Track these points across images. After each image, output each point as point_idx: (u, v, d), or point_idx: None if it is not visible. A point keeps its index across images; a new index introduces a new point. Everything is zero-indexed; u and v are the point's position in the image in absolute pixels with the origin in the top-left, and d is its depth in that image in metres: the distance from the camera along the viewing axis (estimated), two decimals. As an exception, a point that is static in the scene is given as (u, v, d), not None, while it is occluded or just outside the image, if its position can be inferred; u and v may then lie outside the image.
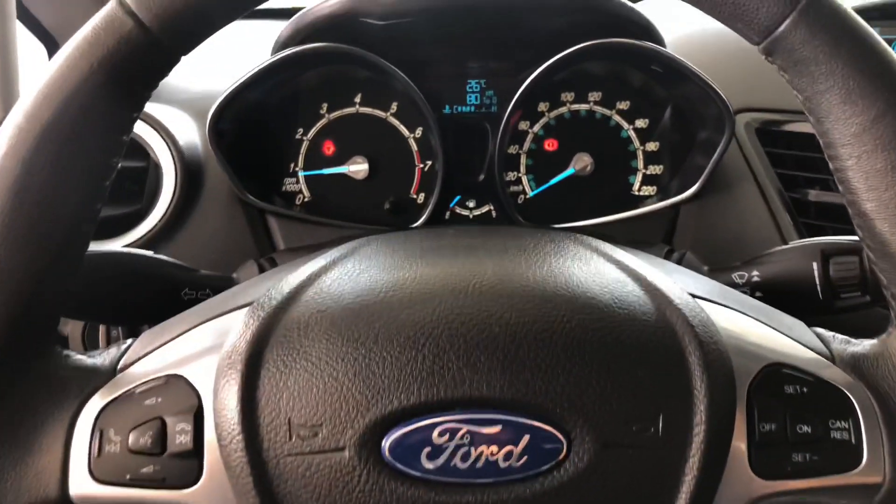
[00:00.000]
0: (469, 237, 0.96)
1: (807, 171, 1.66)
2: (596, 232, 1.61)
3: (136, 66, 0.66)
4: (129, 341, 0.78)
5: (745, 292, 1.20)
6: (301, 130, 1.75)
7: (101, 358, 0.74)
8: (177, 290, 1.25)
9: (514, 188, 1.78)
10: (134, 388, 0.68)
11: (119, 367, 0.72)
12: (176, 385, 0.67)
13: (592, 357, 0.62)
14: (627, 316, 0.66)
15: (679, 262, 1.36)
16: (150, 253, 1.24)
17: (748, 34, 0.66)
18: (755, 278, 1.21)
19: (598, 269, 0.75)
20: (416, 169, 1.75)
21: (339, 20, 1.52)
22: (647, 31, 1.61)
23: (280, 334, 0.66)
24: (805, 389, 0.66)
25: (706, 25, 1.88)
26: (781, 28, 0.63)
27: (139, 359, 0.72)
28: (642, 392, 0.61)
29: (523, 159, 1.77)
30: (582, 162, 1.74)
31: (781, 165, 1.69)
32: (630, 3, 1.57)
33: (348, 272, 0.74)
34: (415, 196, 1.77)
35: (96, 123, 0.67)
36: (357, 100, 1.75)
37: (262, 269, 1.37)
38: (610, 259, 0.80)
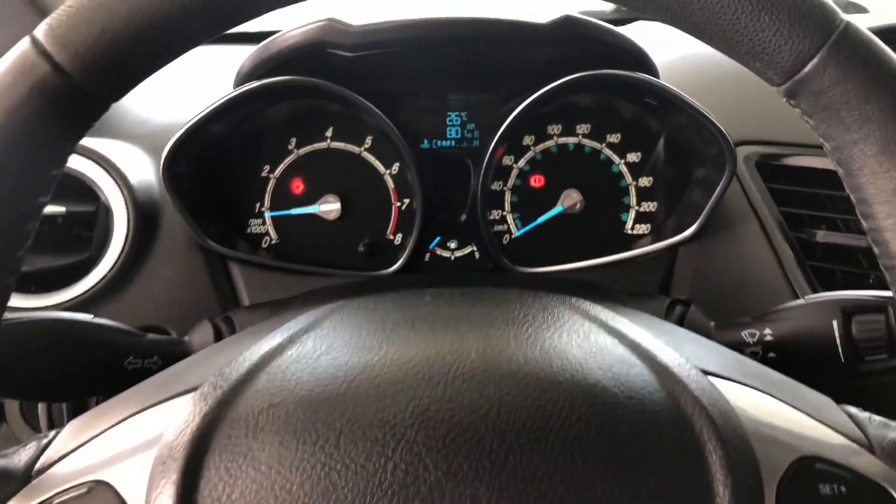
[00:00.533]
0: (448, 306, 0.87)
1: (812, 210, 1.60)
2: (588, 277, 1.56)
3: (54, 117, 0.57)
4: (51, 434, 0.71)
5: (756, 353, 1.14)
6: (267, 167, 1.67)
7: (16, 458, 0.64)
8: (120, 360, 1.15)
9: (498, 227, 1.71)
10: (51, 497, 0.58)
11: (36, 469, 0.62)
12: (101, 495, 0.57)
13: (596, 461, 0.54)
14: (636, 407, 0.58)
15: (682, 319, 1.28)
16: (88, 317, 1.14)
17: (768, 74, 0.59)
18: (767, 337, 1.14)
19: (599, 346, 0.69)
20: (393, 208, 1.68)
21: (305, 51, 1.45)
22: (639, 60, 1.54)
23: (225, 433, 0.57)
24: (843, 489, 0.58)
25: (699, 49, 1.84)
26: (808, 67, 0.56)
27: (61, 458, 0.63)
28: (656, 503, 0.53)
29: (508, 196, 1.70)
30: (571, 199, 1.67)
31: (785, 203, 1.63)
32: (621, 32, 1.51)
33: (308, 353, 0.68)
34: (391, 237, 1.69)
35: (7, 184, 0.58)
36: (328, 134, 1.67)
37: (217, 332, 1.28)
38: (611, 331, 0.78)
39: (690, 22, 0.60)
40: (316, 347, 0.69)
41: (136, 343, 1.18)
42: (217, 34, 0.66)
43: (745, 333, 1.07)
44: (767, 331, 1.05)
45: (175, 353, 1.16)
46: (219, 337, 1.26)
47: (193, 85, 1.82)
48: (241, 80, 1.54)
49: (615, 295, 1.35)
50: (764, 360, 1.13)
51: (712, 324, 1.26)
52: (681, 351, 0.68)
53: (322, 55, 1.46)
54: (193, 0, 0.58)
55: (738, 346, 1.15)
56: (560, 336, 0.70)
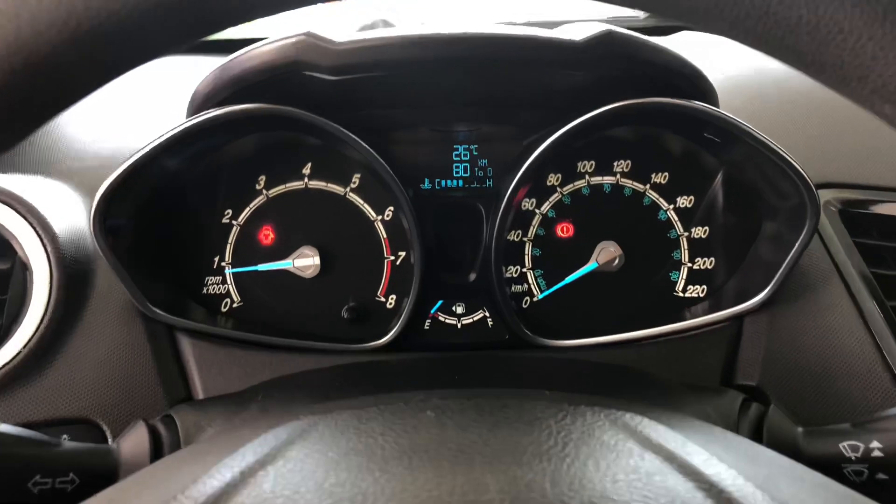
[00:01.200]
0: (458, 430, 0.72)
1: (914, 272, 1.38)
2: (630, 356, 1.37)
3: None
4: None
5: (860, 472, 0.97)
6: (229, 212, 1.48)
7: None
8: (23, 480, 0.93)
9: (516, 288, 1.52)
10: None
11: None
12: None
13: None
14: None
15: (760, 423, 1.08)
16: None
17: None
18: (875, 452, 0.97)
19: (664, 486, 0.59)
20: (385, 263, 1.50)
21: (276, 73, 1.26)
22: (696, 85, 1.34)
23: None
24: None
25: (758, 65, 1.64)
26: None
27: None
28: None
29: (528, 249, 1.51)
30: (607, 253, 1.48)
31: (876, 261, 1.40)
32: (673, 50, 1.29)
33: (265, 499, 0.57)
34: (383, 299, 1.50)
35: None
36: (305, 172, 1.48)
37: (154, 437, 1.06)
38: (683, 468, 0.63)
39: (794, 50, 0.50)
40: (276, 491, 0.58)
41: (47, 455, 0.96)
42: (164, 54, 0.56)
43: (844, 446, 0.97)
44: (875, 444, 0.95)
45: (97, 468, 0.97)
46: (156, 444, 1.04)
47: (148, 105, 1.63)
48: (196, 106, 1.35)
49: (672, 390, 1.14)
50: (872, 483, 0.97)
51: (799, 429, 1.06)
52: (776, 493, 0.59)
53: (297, 78, 1.27)
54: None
55: (835, 462, 0.99)
56: (614, 479, 0.59)
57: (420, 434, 0.71)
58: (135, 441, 1.04)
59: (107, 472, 1.00)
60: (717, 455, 0.67)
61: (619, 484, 0.60)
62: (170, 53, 0.58)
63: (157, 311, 1.32)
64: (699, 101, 1.31)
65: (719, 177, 1.46)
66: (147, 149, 1.27)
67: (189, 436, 1.06)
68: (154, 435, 1.06)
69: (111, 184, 1.26)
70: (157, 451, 1.05)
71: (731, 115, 1.29)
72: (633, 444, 0.69)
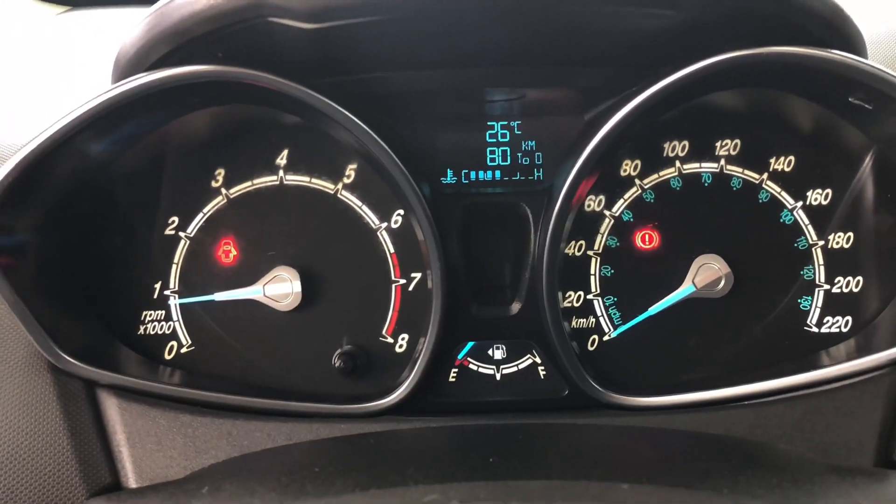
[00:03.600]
0: None
1: None
2: (746, 420, 1.26)
3: None
4: None
5: None
6: (175, 220, 1.42)
7: None
8: None
9: (579, 322, 1.44)
10: None
11: None
12: None
13: None
14: None
15: None
16: None
17: None
18: None
19: None
20: (393, 289, 1.43)
21: (230, 23, 1.18)
22: (837, 28, 1.24)
23: None
24: None
25: None
26: None
27: None
28: None
29: (596, 267, 1.43)
30: (709, 272, 1.40)
31: None
32: None
33: None
34: (390, 340, 1.43)
35: None
36: (280, 162, 1.41)
37: None
38: None
39: None
40: None
41: None
42: None
43: None
44: None
45: None
46: None
47: (62, 76, 1.63)
48: (122, 70, 1.28)
49: (808, 475, 1.05)
50: None
51: None
52: None
53: (261, 27, 1.19)
54: None
55: None
56: None
57: None
58: None
59: None
60: None
61: None
62: None
63: (73, 360, 1.26)
64: (840, 50, 1.22)
65: (868, 160, 1.38)
66: (56, 129, 1.21)
67: None
68: None
69: (3, 181, 1.20)
70: None
71: (888, 70, 1.20)
72: None
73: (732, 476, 0.97)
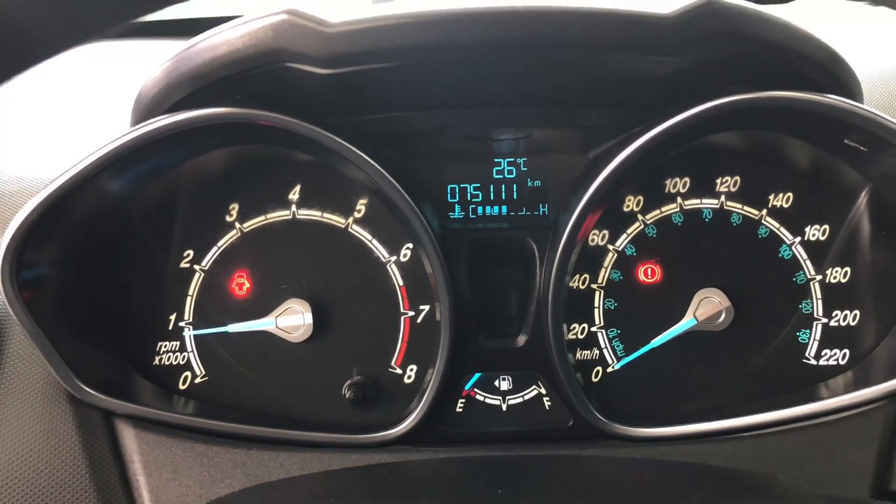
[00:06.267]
0: None
1: None
2: (745, 452, 1.30)
3: None
4: None
5: None
6: (190, 254, 1.45)
7: None
8: None
9: (583, 354, 1.46)
10: None
11: None
12: None
13: None
14: None
15: None
16: None
17: None
18: None
19: None
20: (402, 321, 1.45)
21: (249, 68, 1.22)
22: (833, 73, 1.28)
23: None
24: None
25: None
26: None
27: None
28: None
29: (600, 301, 1.46)
30: (710, 306, 1.41)
31: None
32: (801, 27, 1.26)
33: None
34: (399, 371, 1.45)
35: None
36: (292, 197, 1.45)
37: None
38: None
39: None
40: None
41: None
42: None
43: None
44: None
45: None
46: None
47: (84, 112, 1.63)
48: (143, 111, 1.31)
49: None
50: None
51: None
52: None
53: (278, 72, 1.23)
54: None
55: None
56: None
57: None
58: None
59: None
60: None
61: None
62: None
63: (91, 391, 1.29)
64: (836, 95, 1.25)
65: (863, 198, 1.41)
66: (78, 168, 1.24)
67: None
68: None
69: (28, 217, 1.22)
70: None
71: (881, 114, 1.23)
72: None
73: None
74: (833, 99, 1.24)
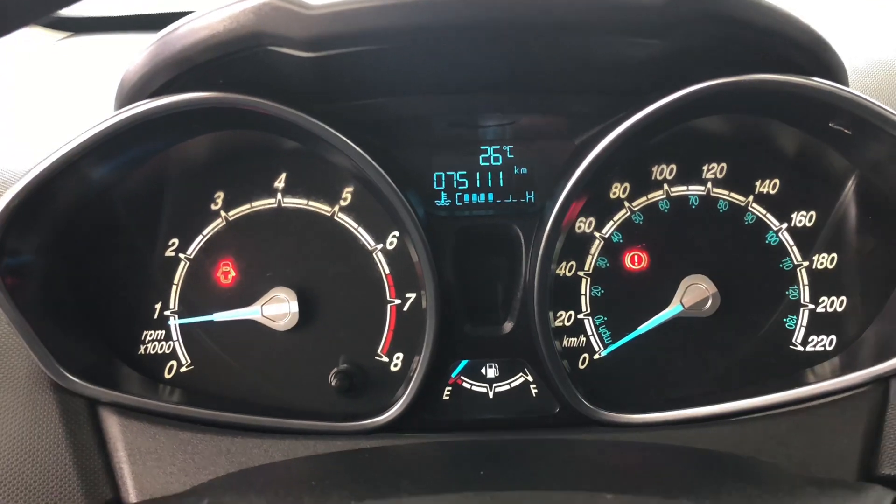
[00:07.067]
0: None
1: None
2: (731, 437, 1.29)
3: None
4: None
5: None
6: (175, 242, 1.45)
7: None
8: None
9: (570, 342, 1.46)
10: None
11: None
12: None
13: None
14: None
15: None
16: None
17: None
18: None
19: None
20: (388, 309, 1.45)
21: (231, 52, 1.22)
22: (818, 57, 1.28)
23: None
24: None
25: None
26: None
27: None
28: None
29: (586, 288, 1.46)
30: (696, 293, 1.42)
31: None
32: (787, 11, 1.26)
33: None
34: (385, 359, 1.45)
35: None
36: (278, 185, 1.44)
37: None
38: None
39: None
40: None
41: None
42: None
43: None
44: None
45: None
46: None
47: (68, 102, 1.64)
48: (126, 96, 1.32)
49: (791, 488, 1.06)
50: None
51: None
52: None
53: (261, 56, 1.22)
54: None
55: None
56: None
57: None
58: None
59: None
60: None
61: None
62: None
63: (75, 379, 1.28)
64: (822, 78, 1.26)
65: (851, 184, 1.41)
66: (61, 154, 1.24)
67: None
68: None
69: (11, 202, 1.22)
70: None
71: (868, 97, 1.23)
72: None
73: (714, 488, 1.00)
74: (817, 82, 1.24)
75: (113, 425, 1.31)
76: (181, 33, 1.23)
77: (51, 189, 1.24)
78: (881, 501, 1.03)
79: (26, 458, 1.25)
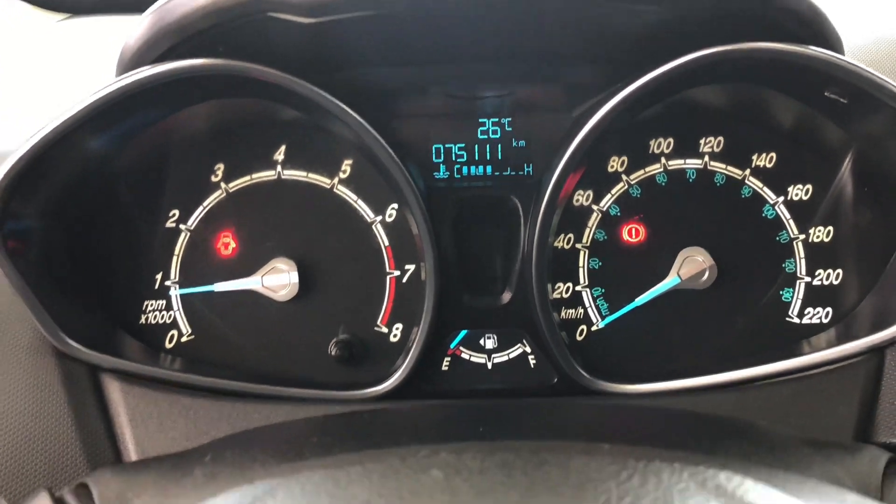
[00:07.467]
0: (477, 497, 0.70)
1: None
2: (728, 404, 1.31)
3: None
4: None
5: None
6: (176, 213, 1.45)
7: None
8: None
9: (568, 313, 1.47)
10: None
11: None
12: None
13: None
14: None
15: None
16: None
17: None
18: None
19: None
20: (388, 280, 1.46)
21: (230, 18, 1.22)
22: (812, 26, 1.28)
23: None
24: None
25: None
26: None
27: None
28: None
29: (584, 260, 1.46)
30: (693, 265, 1.42)
31: None
32: None
33: None
34: (385, 330, 1.46)
35: None
36: (277, 157, 1.45)
37: None
38: None
39: None
40: None
41: None
42: None
43: None
44: None
45: None
46: None
47: (71, 81, 1.64)
48: (126, 66, 1.32)
49: (786, 447, 1.07)
50: None
51: None
52: None
53: (260, 22, 1.23)
54: None
55: None
56: None
57: (422, 501, 0.68)
58: None
59: None
60: None
61: None
62: None
63: (77, 345, 1.28)
64: (817, 47, 1.26)
65: (848, 158, 1.41)
66: (60, 122, 1.24)
67: None
68: None
69: (13, 168, 1.22)
70: None
71: (864, 66, 1.23)
72: None
73: (711, 444, 1.01)
74: (813, 50, 1.24)
75: (115, 391, 1.32)
76: (181, 0, 1.24)
77: (55, 153, 1.25)
78: (876, 461, 1.04)
79: (30, 422, 1.25)
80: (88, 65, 1.67)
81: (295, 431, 1.17)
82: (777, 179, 1.43)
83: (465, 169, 1.46)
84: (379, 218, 1.44)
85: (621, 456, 0.76)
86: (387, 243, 1.45)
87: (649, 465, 0.73)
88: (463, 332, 1.45)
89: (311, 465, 0.77)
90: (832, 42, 1.30)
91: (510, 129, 1.46)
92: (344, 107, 1.30)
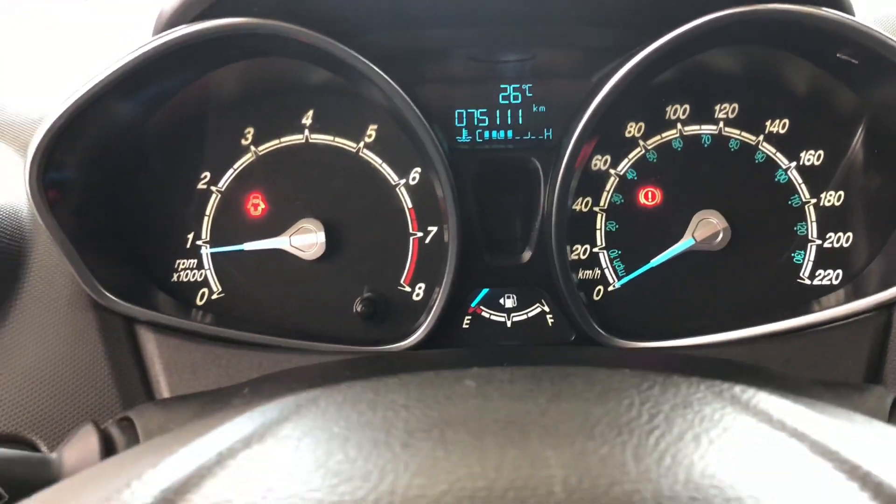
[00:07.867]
0: (507, 400, 0.73)
1: None
2: (742, 358, 1.34)
3: None
4: None
5: None
6: (207, 176, 1.49)
7: None
8: None
9: (585, 273, 1.50)
10: None
11: None
12: None
13: None
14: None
15: None
16: None
17: None
18: None
19: (795, 467, 0.60)
20: (411, 241, 1.49)
21: None
22: None
23: None
24: None
25: None
26: None
27: None
28: None
29: (602, 222, 1.49)
30: (708, 227, 1.45)
31: None
32: None
33: (250, 478, 0.60)
34: (408, 289, 1.49)
35: None
36: (306, 121, 1.48)
37: (106, 443, 1.03)
38: (805, 440, 0.65)
39: None
40: (263, 472, 0.60)
41: None
42: None
43: None
44: None
45: (32, 481, 0.95)
46: (109, 453, 1.02)
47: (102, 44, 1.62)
48: (164, 25, 1.34)
49: (796, 385, 1.11)
50: None
51: None
52: None
53: None
54: None
55: None
56: (723, 455, 0.60)
57: (456, 405, 0.70)
58: (80, 448, 1.02)
59: (42, 487, 0.98)
60: (862, 435, 0.67)
61: (730, 461, 0.58)
62: None
63: (113, 297, 1.32)
64: (830, 8, 1.28)
65: (858, 123, 1.43)
66: (96, 83, 1.27)
67: (150, 438, 1.04)
68: (106, 441, 1.03)
69: (52, 128, 1.26)
70: None
71: (876, 28, 1.25)
72: (746, 418, 0.68)
73: (724, 378, 1.05)
74: (826, 11, 1.26)
75: (149, 341, 1.36)
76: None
77: (95, 110, 1.27)
78: (883, 399, 1.07)
79: (67, 372, 1.30)
80: (119, 42, 1.68)
81: (329, 369, 1.21)
82: (790, 145, 1.45)
83: (486, 133, 1.49)
84: (403, 181, 1.47)
85: (644, 378, 0.79)
86: (410, 205, 1.47)
87: (669, 378, 0.76)
88: (484, 291, 1.48)
89: (356, 381, 0.79)
90: (843, 4, 1.31)
91: (531, 94, 1.48)
92: (377, 69, 1.33)
